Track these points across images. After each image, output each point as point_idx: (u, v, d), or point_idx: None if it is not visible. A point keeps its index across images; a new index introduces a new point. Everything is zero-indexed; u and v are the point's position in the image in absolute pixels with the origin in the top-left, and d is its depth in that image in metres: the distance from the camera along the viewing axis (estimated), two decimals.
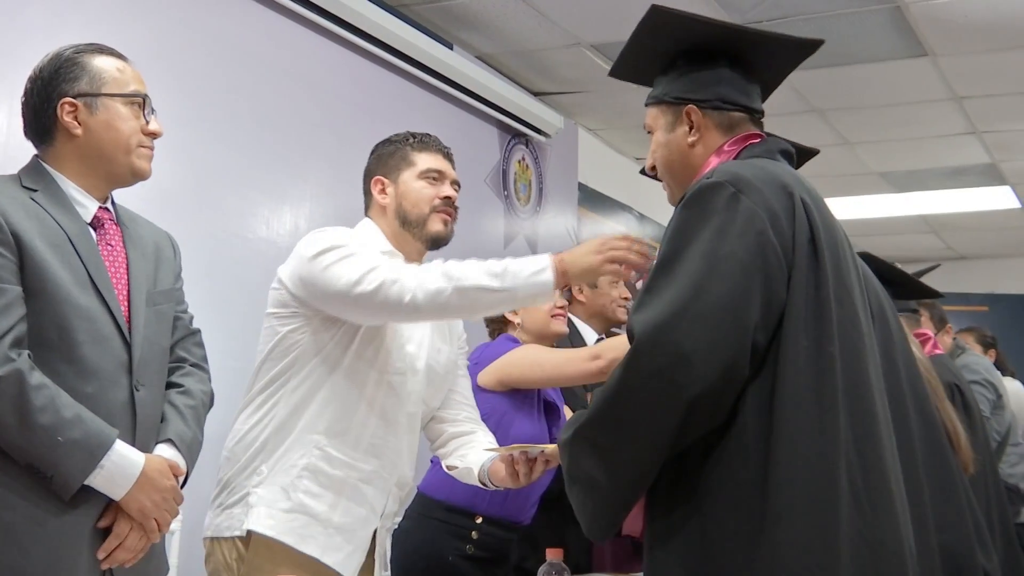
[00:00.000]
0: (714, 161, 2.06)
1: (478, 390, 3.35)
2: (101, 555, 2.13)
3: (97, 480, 2.08)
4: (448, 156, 2.87)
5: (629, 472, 1.83)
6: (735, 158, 2.05)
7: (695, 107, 2.09)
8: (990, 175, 7.36)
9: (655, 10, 2.11)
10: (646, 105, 2.20)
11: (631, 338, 1.78)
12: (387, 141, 2.88)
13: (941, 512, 2.40)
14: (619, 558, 3.71)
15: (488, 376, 3.33)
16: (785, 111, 6.00)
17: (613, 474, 1.83)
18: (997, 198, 7.91)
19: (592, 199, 6.65)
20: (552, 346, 3.56)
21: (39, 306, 2.10)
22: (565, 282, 2.40)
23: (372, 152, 2.89)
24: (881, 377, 1.97)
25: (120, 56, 2.33)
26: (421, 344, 2.78)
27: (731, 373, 1.74)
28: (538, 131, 5.88)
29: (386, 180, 2.80)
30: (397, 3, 4.84)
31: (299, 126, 4.16)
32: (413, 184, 2.77)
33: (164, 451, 2.24)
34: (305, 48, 4.31)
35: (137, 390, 2.20)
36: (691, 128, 2.10)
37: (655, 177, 2.23)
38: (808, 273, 1.83)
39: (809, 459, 1.74)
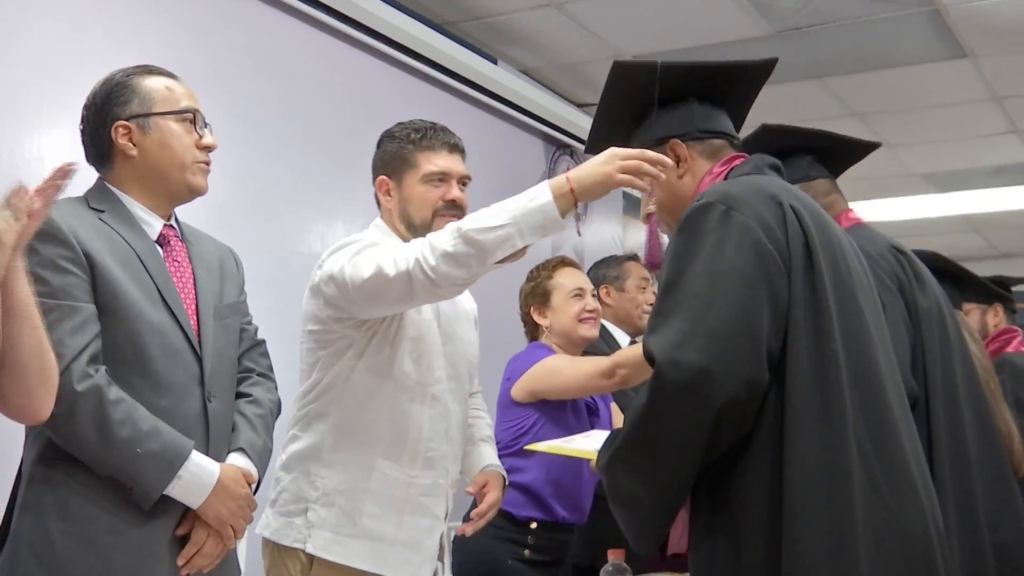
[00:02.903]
0: (705, 184, 2.11)
1: (512, 404, 3.37)
2: (180, 562, 2.17)
3: (175, 490, 2.12)
4: (455, 148, 2.73)
5: (667, 486, 1.87)
6: (724, 179, 2.10)
7: (677, 141, 2.16)
8: None
9: (618, 66, 2.20)
10: None
11: (650, 361, 1.81)
12: (390, 136, 2.76)
13: (995, 511, 2.40)
14: (675, 557, 3.73)
15: (519, 389, 3.34)
16: (826, 115, 5.98)
17: (653, 490, 1.88)
18: None
19: (637, 206, 6.64)
20: (581, 351, 3.54)
21: (113, 323, 2.14)
22: (573, 199, 2.21)
23: (378, 145, 2.79)
24: (895, 369, 1.99)
25: (170, 75, 2.35)
26: (456, 343, 2.76)
27: (752, 382, 1.78)
28: (582, 142, 5.88)
29: (390, 182, 2.72)
30: (442, 21, 4.88)
31: (350, 144, 4.20)
32: (416, 188, 2.68)
33: (237, 460, 2.27)
34: (356, 67, 4.36)
35: (209, 401, 2.24)
36: (678, 162, 2.16)
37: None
38: (804, 277, 1.86)
39: (816, 455, 1.77)
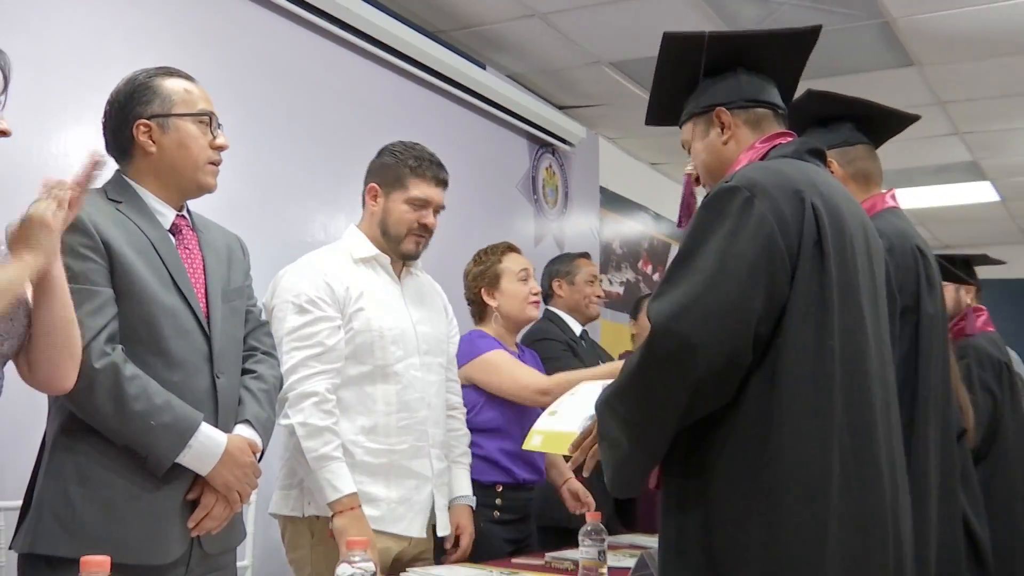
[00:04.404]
0: (745, 158, 2.06)
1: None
2: (190, 524, 2.16)
3: (186, 458, 2.12)
4: (441, 182, 2.87)
5: (644, 440, 1.86)
6: (763, 157, 2.04)
7: (723, 109, 2.11)
8: (972, 172, 7.29)
9: (668, 37, 2.15)
10: (680, 125, 2.22)
11: (651, 324, 1.81)
12: (392, 151, 2.89)
13: (940, 521, 2.34)
14: (649, 520, 3.76)
15: (461, 373, 3.32)
16: None
17: (631, 440, 1.87)
18: (978, 192, 7.82)
19: (612, 201, 6.65)
20: (521, 331, 3.59)
21: (129, 305, 2.13)
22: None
23: (379, 153, 2.91)
24: (889, 369, 1.95)
25: (188, 77, 2.33)
26: (417, 322, 2.83)
27: (733, 361, 1.76)
28: (563, 141, 5.88)
29: (379, 189, 2.84)
30: (435, 29, 4.86)
31: (351, 142, 4.18)
32: (399, 207, 2.82)
33: (243, 431, 2.26)
34: (356, 72, 4.34)
35: (218, 378, 2.23)
36: (723, 128, 2.11)
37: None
38: (812, 274, 1.82)
39: (801, 439, 1.76)
